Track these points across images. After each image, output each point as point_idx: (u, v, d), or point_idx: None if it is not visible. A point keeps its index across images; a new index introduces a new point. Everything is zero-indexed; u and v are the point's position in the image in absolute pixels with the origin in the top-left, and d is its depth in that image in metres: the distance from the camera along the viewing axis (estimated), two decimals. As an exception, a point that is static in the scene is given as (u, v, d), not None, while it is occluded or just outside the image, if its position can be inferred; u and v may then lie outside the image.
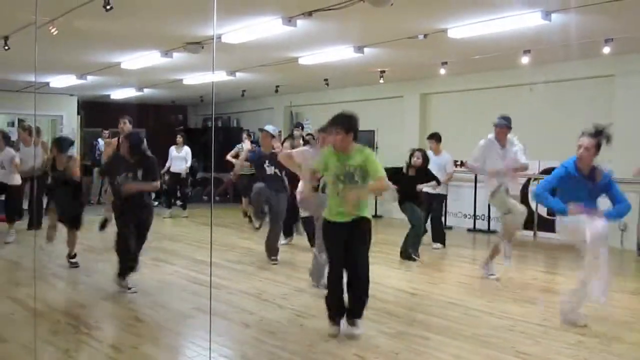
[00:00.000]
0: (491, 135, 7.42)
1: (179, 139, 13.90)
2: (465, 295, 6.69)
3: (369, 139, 14.37)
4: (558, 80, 10.59)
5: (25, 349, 4.81)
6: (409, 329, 5.43)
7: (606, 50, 8.57)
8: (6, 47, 8.17)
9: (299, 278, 7.43)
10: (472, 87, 12.12)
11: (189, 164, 13.80)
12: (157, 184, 6.80)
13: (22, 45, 8.04)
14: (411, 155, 8.80)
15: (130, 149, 6.60)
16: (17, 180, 9.97)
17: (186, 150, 13.75)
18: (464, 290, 6.96)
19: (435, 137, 9.92)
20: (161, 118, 19.29)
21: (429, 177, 8.87)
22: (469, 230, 11.88)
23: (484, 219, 11.70)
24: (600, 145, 5.36)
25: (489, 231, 11.45)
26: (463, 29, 7.70)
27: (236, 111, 18.33)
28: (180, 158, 13.67)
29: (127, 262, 6.65)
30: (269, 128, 8.63)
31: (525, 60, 9.32)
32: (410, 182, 8.71)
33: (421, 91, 13.24)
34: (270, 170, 8.34)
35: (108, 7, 6.09)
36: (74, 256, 8.01)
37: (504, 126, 7.37)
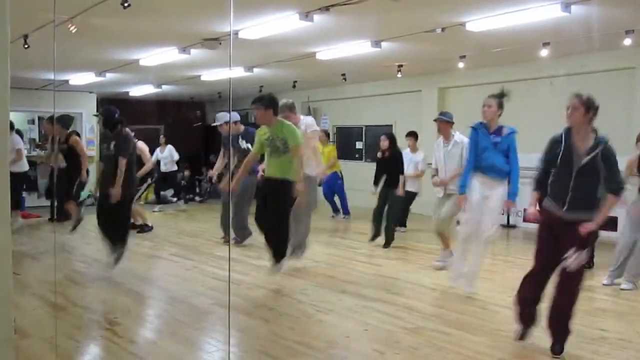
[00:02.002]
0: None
1: (162, 139, 14.21)
2: (485, 290, 6.64)
3: (389, 131, 14.37)
4: (578, 73, 10.46)
5: (48, 344, 4.85)
6: (428, 324, 5.41)
7: (627, 42, 8.45)
8: (26, 46, 8.23)
9: (318, 273, 7.43)
10: (490, 80, 11.98)
11: (175, 158, 14.04)
12: (124, 161, 7.04)
13: (41, 43, 8.10)
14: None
15: (104, 122, 7.26)
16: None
17: (169, 149, 14.05)
18: (484, 285, 6.90)
19: (413, 135, 10.33)
20: (180, 114, 19.37)
21: (399, 163, 9.24)
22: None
23: (502, 213, 11.60)
24: (502, 104, 6.22)
25: (508, 226, 11.37)
26: (481, 21, 7.63)
27: (254, 107, 18.34)
28: (164, 158, 13.87)
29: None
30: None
31: (544, 53, 9.23)
32: (383, 165, 9.32)
33: (439, 85, 13.17)
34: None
35: (126, 4, 6.12)
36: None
37: (442, 120, 7.52)
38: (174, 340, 5.06)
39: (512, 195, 6.15)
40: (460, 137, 7.41)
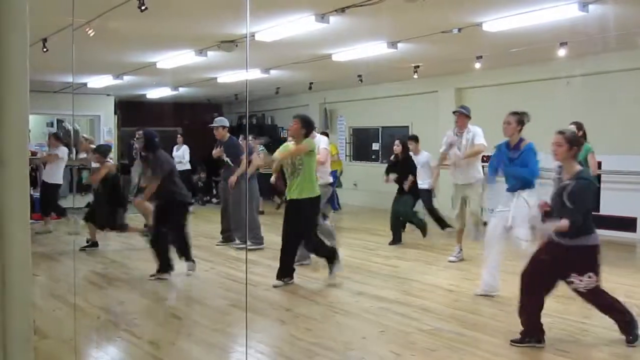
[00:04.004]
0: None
1: (179, 138, 14.53)
2: (502, 291, 6.61)
3: (403, 135, 14.33)
4: (596, 73, 10.39)
5: (67, 345, 4.90)
6: (445, 326, 5.40)
7: (645, 41, 8.39)
8: (45, 49, 8.31)
9: (335, 275, 7.43)
10: (507, 81, 11.96)
11: (186, 158, 14.23)
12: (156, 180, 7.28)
13: (59, 47, 8.17)
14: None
15: (145, 146, 7.47)
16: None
17: (184, 149, 14.34)
18: (501, 286, 6.87)
19: (414, 139, 10.38)
20: (197, 116, 19.43)
21: (410, 169, 9.58)
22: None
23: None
24: (522, 121, 6.29)
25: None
26: (498, 22, 7.60)
27: (270, 108, 18.41)
28: (177, 156, 14.02)
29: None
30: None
31: (562, 52, 9.16)
32: (393, 169, 9.72)
33: (456, 86, 13.11)
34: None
35: (143, 7, 6.16)
36: None
37: (462, 113, 7.85)
38: (191, 341, 5.09)
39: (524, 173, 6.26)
40: (474, 128, 7.83)
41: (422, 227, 9.79)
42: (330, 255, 7.04)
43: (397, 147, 9.78)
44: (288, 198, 6.89)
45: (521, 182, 6.24)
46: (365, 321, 5.59)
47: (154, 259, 7.27)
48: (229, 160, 9.14)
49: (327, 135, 8.63)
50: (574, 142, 4.83)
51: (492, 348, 4.79)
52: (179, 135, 14.64)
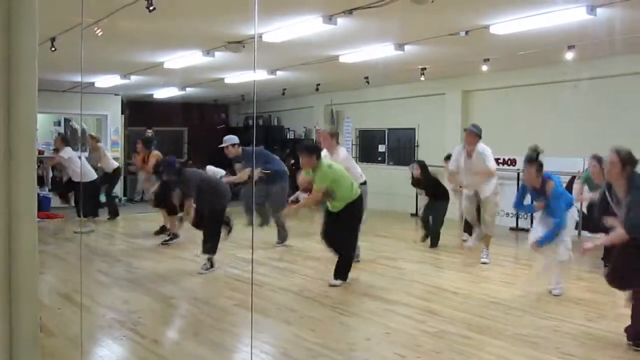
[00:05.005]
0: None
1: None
2: (507, 294, 6.61)
3: (409, 137, 14.33)
4: (603, 76, 10.36)
5: (72, 343, 4.92)
6: (450, 328, 5.39)
7: (654, 45, 8.36)
8: (53, 49, 8.34)
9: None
10: (515, 83, 11.95)
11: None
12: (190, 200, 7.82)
13: (68, 46, 8.20)
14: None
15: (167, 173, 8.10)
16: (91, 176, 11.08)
17: None
18: (507, 289, 6.88)
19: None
20: (203, 117, 19.49)
21: (434, 187, 9.67)
22: (511, 229, 11.72)
23: (526, 218, 11.53)
24: (541, 166, 6.37)
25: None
26: (505, 24, 7.58)
27: (277, 110, 18.43)
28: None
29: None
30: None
31: (569, 55, 9.14)
32: (421, 189, 9.91)
33: (463, 88, 13.10)
34: None
35: (151, 7, 6.17)
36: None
37: (472, 132, 7.93)
38: (196, 341, 5.10)
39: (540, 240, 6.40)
40: (482, 147, 7.85)
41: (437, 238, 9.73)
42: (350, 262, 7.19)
43: (416, 172, 9.79)
44: (334, 211, 7.10)
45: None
46: (370, 322, 5.59)
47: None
48: (264, 171, 9.23)
49: (337, 135, 8.51)
50: (628, 161, 4.77)
51: (498, 351, 4.78)
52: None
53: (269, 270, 7.75)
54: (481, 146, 7.86)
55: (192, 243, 8.77)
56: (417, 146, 13.87)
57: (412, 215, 13.15)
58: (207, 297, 6.56)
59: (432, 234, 9.64)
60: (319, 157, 7.08)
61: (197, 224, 7.86)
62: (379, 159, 15.53)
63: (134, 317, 5.72)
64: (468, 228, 9.43)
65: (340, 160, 7.75)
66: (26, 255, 2.48)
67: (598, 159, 7.32)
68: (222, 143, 9.41)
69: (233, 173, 9.68)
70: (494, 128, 11.36)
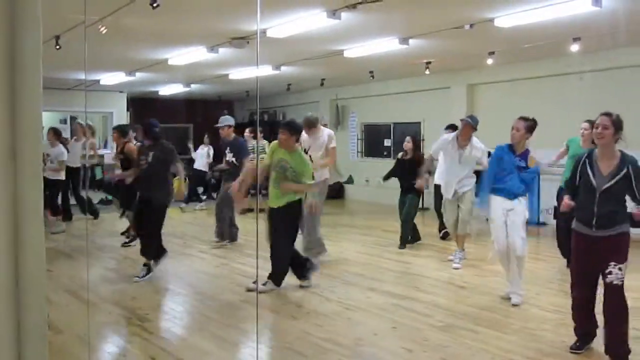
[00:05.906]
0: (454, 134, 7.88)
1: (206, 139, 14.53)
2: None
3: (415, 131, 14.31)
4: (609, 68, 10.32)
5: (80, 340, 4.94)
6: (457, 322, 5.39)
7: (659, 36, 8.32)
8: (57, 47, 8.36)
9: (346, 271, 7.44)
10: (520, 76, 11.91)
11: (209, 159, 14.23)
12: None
13: (72, 44, 8.22)
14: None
15: (144, 134, 7.49)
16: (59, 176, 10.48)
17: (208, 148, 14.37)
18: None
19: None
20: (208, 113, 19.49)
21: (417, 167, 8.82)
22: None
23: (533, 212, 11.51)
24: (531, 128, 6.05)
25: (538, 223, 11.25)
26: (510, 17, 7.56)
27: (282, 105, 18.43)
28: (202, 155, 14.20)
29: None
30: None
31: (574, 48, 9.10)
32: (401, 166, 9.16)
33: (468, 82, 13.07)
34: None
35: (155, 4, 6.18)
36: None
37: (469, 124, 7.60)
38: (203, 337, 5.12)
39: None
40: (477, 141, 7.67)
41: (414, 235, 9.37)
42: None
43: (408, 144, 9.15)
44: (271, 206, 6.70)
45: (524, 188, 6.11)
46: (376, 317, 5.59)
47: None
48: (234, 160, 8.96)
49: (316, 120, 8.24)
50: (619, 125, 4.51)
51: (505, 345, 4.78)
52: (206, 136, 14.66)
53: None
54: (476, 140, 7.67)
55: (197, 239, 8.79)
56: (423, 140, 13.84)
57: (421, 209, 13.11)
58: (214, 292, 6.57)
59: (440, 226, 9.62)
60: (298, 140, 6.81)
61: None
62: (385, 153, 15.51)
63: (141, 314, 5.73)
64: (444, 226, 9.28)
65: (321, 142, 7.85)
66: (33, 253, 2.49)
67: (592, 123, 7.05)
68: (221, 141, 9.32)
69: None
70: (500, 121, 11.28)
